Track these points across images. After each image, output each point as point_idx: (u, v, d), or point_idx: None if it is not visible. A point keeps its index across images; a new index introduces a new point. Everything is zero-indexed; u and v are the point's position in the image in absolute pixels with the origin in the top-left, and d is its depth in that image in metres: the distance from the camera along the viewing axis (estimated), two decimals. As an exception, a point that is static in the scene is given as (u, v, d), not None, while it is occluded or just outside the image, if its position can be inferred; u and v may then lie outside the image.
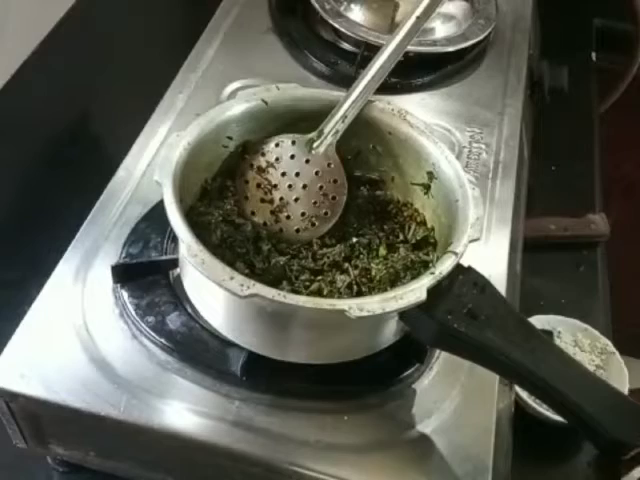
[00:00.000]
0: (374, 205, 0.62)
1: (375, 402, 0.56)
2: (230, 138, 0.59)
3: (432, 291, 0.48)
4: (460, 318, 0.48)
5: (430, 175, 0.59)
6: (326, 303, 0.49)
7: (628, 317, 1.02)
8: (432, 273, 0.49)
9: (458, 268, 0.50)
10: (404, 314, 0.50)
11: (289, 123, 0.60)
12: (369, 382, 0.57)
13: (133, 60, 0.96)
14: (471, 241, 0.51)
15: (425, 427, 0.55)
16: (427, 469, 0.53)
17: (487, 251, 0.66)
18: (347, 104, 0.59)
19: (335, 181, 0.60)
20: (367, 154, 0.62)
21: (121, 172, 0.69)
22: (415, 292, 0.48)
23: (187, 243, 0.48)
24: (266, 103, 0.60)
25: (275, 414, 0.54)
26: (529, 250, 0.77)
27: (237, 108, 0.59)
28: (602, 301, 0.84)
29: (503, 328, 0.48)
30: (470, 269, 0.51)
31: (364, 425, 0.55)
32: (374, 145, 0.62)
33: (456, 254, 0.50)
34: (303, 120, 0.60)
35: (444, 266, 0.49)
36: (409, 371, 0.57)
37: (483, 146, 0.77)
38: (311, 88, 0.62)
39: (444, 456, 0.53)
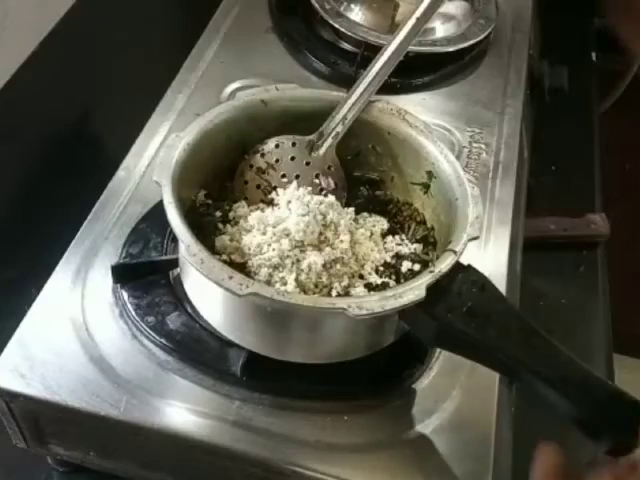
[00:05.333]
0: (374, 205, 0.62)
1: (375, 402, 0.56)
2: (230, 138, 0.59)
3: (431, 289, 0.48)
4: (460, 316, 0.48)
5: (429, 174, 0.58)
6: (325, 302, 0.49)
7: (628, 317, 1.02)
8: (431, 271, 0.49)
9: (457, 266, 0.50)
10: (404, 313, 0.49)
11: (288, 124, 0.60)
12: (369, 382, 0.57)
13: (133, 60, 0.96)
14: (470, 239, 0.51)
15: (425, 427, 0.55)
16: (427, 469, 0.53)
17: (487, 251, 0.66)
18: (347, 106, 0.59)
19: (335, 184, 0.60)
20: (367, 154, 0.62)
21: (121, 172, 0.69)
22: (414, 290, 0.48)
23: (186, 243, 0.48)
24: (265, 104, 0.60)
25: (275, 414, 0.54)
26: (529, 250, 0.77)
27: (236, 109, 0.59)
28: (602, 301, 0.84)
29: (503, 326, 0.48)
30: (470, 267, 0.51)
31: (364, 425, 0.55)
32: (373, 145, 0.62)
33: (455, 252, 0.50)
34: (303, 121, 0.60)
35: (443, 264, 0.49)
36: (409, 371, 0.57)
37: (483, 146, 0.77)
38: (310, 89, 0.62)
39: (444, 456, 0.53)
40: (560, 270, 0.85)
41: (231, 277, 0.47)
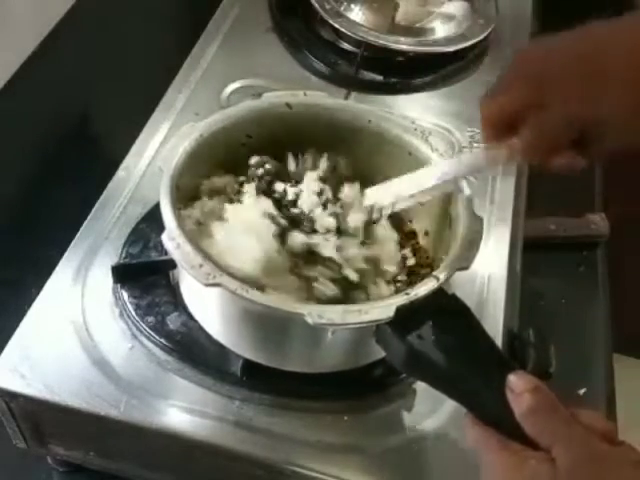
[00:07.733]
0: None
1: (375, 402, 0.56)
2: (250, 137, 0.59)
3: (405, 312, 0.46)
4: (430, 343, 0.46)
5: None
6: (288, 305, 0.47)
7: (628, 317, 1.02)
8: (407, 294, 0.47)
9: (441, 293, 0.48)
10: (377, 332, 0.48)
11: (312, 130, 0.59)
12: (369, 382, 0.57)
13: (133, 60, 0.96)
14: (459, 269, 0.50)
15: (425, 427, 0.55)
16: (427, 469, 0.53)
17: (487, 251, 0.66)
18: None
19: None
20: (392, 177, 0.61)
21: (121, 172, 0.69)
22: (383, 309, 0.46)
23: (168, 227, 0.48)
24: (290, 107, 0.59)
25: (275, 414, 0.54)
26: (529, 250, 0.76)
27: (260, 108, 0.59)
28: (602, 301, 0.84)
29: (476, 360, 0.46)
30: (454, 296, 0.49)
31: (364, 425, 0.55)
32: (396, 166, 0.60)
33: (437, 279, 0.48)
34: (326, 129, 0.59)
35: (421, 289, 0.48)
36: (409, 371, 0.57)
37: (483, 146, 0.77)
38: (337, 99, 0.61)
39: (444, 456, 0.53)
40: (560, 270, 0.84)
41: (201, 266, 0.46)
